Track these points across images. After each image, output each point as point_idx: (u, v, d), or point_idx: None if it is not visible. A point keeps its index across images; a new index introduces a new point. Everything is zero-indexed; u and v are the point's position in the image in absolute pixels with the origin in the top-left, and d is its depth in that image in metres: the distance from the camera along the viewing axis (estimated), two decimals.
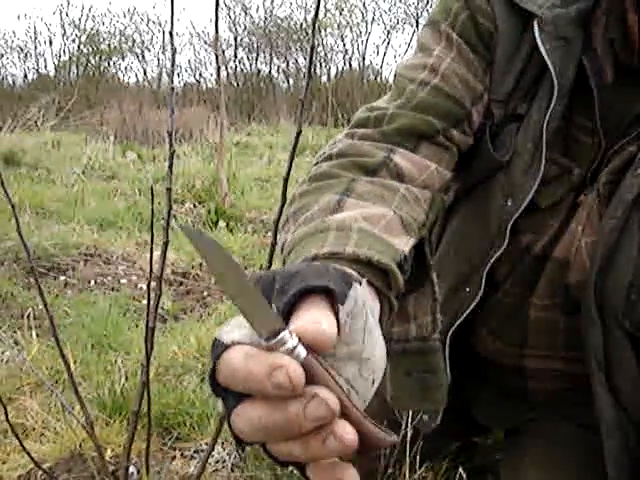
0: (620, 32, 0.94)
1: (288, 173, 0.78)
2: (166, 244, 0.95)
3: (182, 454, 1.73)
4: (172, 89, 0.95)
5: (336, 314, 0.50)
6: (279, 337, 0.46)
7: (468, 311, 1.06)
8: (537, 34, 0.94)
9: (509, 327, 1.10)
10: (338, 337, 0.49)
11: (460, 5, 1.00)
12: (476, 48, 0.99)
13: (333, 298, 0.51)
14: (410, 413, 1.13)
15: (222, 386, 0.48)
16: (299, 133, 0.79)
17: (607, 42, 0.95)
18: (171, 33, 1.00)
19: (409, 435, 1.16)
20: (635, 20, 0.91)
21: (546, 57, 0.93)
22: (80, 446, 1.66)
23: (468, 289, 1.07)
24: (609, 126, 0.97)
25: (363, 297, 0.53)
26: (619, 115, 0.97)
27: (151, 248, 0.86)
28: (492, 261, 1.02)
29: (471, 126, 1.00)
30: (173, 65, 0.97)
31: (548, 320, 1.07)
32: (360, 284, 0.55)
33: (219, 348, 0.48)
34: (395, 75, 1.03)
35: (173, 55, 0.96)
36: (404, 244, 0.75)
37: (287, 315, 0.49)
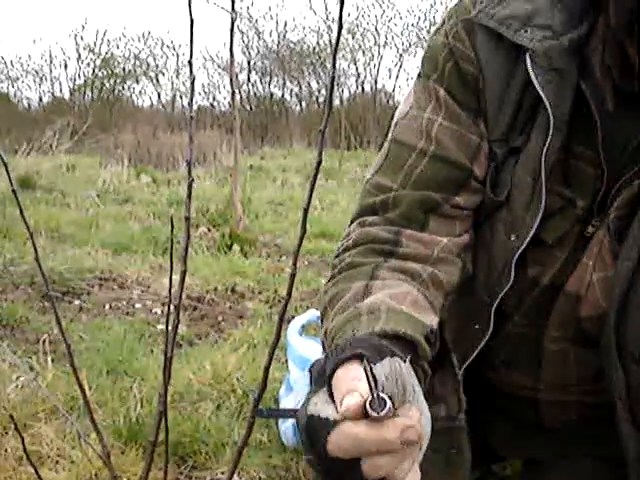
0: (617, 59, 0.92)
1: (308, 204, 0.77)
2: (184, 272, 0.94)
3: None
4: (192, 117, 0.94)
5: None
6: (387, 407, 0.57)
7: (480, 347, 1.06)
8: (530, 67, 0.93)
9: (521, 358, 1.09)
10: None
11: (445, 54, 1.00)
12: (464, 100, 0.99)
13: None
14: None
15: (333, 456, 0.59)
16: (319, 163, 0.78)
17: (605, 69, 0.94)
18: (190, 62, 1.00)
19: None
20: (634, 48, 0.90)
21: (540, 90, 0.92)
22: (96, 475, 1.65)
23: (477, 325, 1.06)
24: (612, 154, 0.96)
25: (407, 368, 0.65)
26: (622, 143, 0.95)
27: (170, 278, 0.85)
28: (500, 297, 1.02)
29: (478, 180, 1.00)
30: (192, 93, 0.97)
31: (559, 352, 1.06)
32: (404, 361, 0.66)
33: (323, 424, 0.60)
34: (393, 137, 1.03)
35: (192, 83, 0.96)
36: (430, 320, 0.84)
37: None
